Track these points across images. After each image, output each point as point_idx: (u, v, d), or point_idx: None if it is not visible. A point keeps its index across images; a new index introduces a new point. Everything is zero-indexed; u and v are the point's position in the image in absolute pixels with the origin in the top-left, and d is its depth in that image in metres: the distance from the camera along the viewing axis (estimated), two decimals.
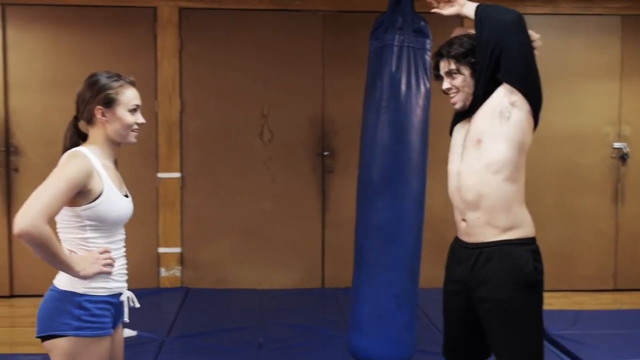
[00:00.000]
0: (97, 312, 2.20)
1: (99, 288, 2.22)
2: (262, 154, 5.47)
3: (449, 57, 2.50)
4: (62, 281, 2.21)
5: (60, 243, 2.18)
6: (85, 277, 2.17)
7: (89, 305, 2.18)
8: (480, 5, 2.47)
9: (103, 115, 2.27)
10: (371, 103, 3.37)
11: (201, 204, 5.47)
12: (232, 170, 5.46)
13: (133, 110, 2.33)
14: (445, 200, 5.70)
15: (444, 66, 2.53)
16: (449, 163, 2.56)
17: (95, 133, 2.29)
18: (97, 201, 2.20)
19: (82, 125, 2.33)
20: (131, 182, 5.28)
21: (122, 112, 2.29)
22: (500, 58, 2.37)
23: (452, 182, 2.55)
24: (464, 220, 2.52)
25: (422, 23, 3.34)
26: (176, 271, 5.47)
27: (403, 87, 3.27)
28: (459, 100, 2.49)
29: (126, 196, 2.41)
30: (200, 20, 5.38)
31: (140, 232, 5.41)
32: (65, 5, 5.24)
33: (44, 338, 2.20)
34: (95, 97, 2.26)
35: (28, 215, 2.03)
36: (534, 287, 2.43)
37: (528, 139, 2.45)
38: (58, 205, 2.11)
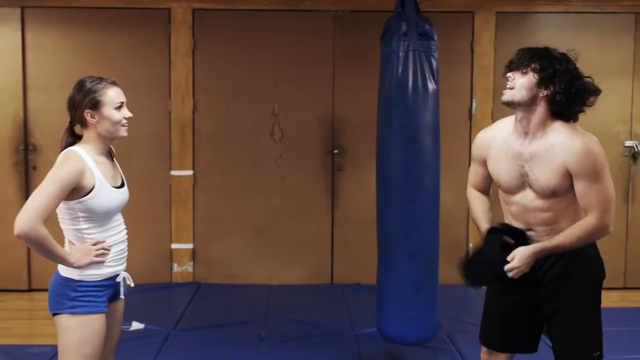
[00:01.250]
0: (90, 294, 2.49)
1: (92, 275, 2.50)
2: (272, 152, 5.56)
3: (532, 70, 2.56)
4: (63, 268, 2.52)
5: (54, 240, 2.42)
6: (79, 267, 2.45)
7: (82, 289, 2.48)
8: None
9: (92, 117, 2.49)
10: (382, 107, 3.60)
11: (213, 201, 5.59)
12: (243, 168, 5.57)
13: (119, 107, 2.53)
14: (455, 198, 5.74)
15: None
16: None
17: (88, 133, 2.53)
18: (88, 195, 2.43)
19: (77, 128, 2.55)
20: (145, 180, 5.53)
21: (109, 111, 2.51)
22: None
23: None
24: (530, 230, 2.62)
25: (427, 26, 3.51)
26: (188, 267, 5.60)
27: (410, 91, 3.45)
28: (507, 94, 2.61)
29: (122, 185, 2.61)
30: (213, 20, 5.49)
31: (153, 228, 5.56)
32: (82, 7, 5.39)
33: (54, 314, 2.53)
34: (82, 102, 2.48)
35: (25, 218, 2.33)
36: (601, 286, 2.61)
37: None
38: (52, 206, 2.38)
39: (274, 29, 5.50)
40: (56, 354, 2.55)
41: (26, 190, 5.41)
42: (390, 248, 3.62)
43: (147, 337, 4.11)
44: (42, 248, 2.39)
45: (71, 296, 2.47)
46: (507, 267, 2.52)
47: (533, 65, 2.55)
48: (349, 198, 5.57)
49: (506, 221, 2.71)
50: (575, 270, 2.58)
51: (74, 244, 2.51)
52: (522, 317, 2.71)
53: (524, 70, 2.55)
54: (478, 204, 2.86)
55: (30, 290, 5.45)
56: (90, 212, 2.46)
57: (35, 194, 2.37)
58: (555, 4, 5.55)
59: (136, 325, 4.26)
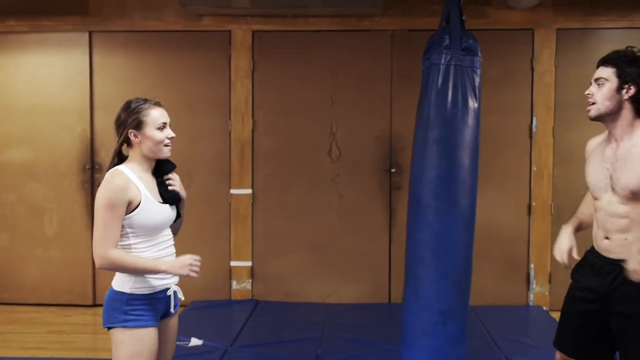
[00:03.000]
0: (141, 307, 2.55)
1: (142, 288, 2.56)
2: (330, 170, 5.60)
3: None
4: (116, 283, 2.59)
5: (132, 257, 2.54)
6: (171, 274, 2.56)
7: (134, 302, 2.55)
8: None
9: (135, 136, 2.57)
10: (420, 121, 3.45)
11: (271, 219, 5.65)
12: (301, 186, 5.62)
13: (161, 128, 2.60)
14: (515, 217, 5.62)
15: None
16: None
17: (133, 153, 2.62)
18: (135, 211, 2.51)
19: (124, 148, 2.65)
20: (205, 198, 5.64)
21: (151, 131, 2.58)
22: None
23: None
24: (607, 238, 2.68)
25: (471, 41, 3.37)
26: (247, 284, 5.66)
27: (449, 105, 3.31)
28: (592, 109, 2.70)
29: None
30: (272, 41, 5.59)
31: (214, 245, 5.65)
32: (146, 31, 5.57)
33: (108, 328, 2.60)
34: (126, 122, 2.58)
35: (96, 253, 2.49)
36: None
37: None
38: (114, 230, 2.48)
39: (331, 49, 5.56)
40: None
41: (92, 208, 5.57)
42: (416, 271, 3.38)
43: (205, 354, 4.16)
44: (125, 269, 2.52)
45: (123, 310, 2.53)
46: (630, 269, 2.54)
47: (607, 73, 2.63)
48: (403, 214, 5.54)
49: (593, 230, 2.79)
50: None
51: None
52: (594, 328, 2.76)
53: (600, 82, 2.64)
54: (582, 204, 2.98)
55: (95, 305, 5.61)
56: (138, 228, 2.53)
57: (95, 227, 2.50)
58: (618, 20, 5.44)
59: (195, 342, 4.32)
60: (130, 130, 2.57)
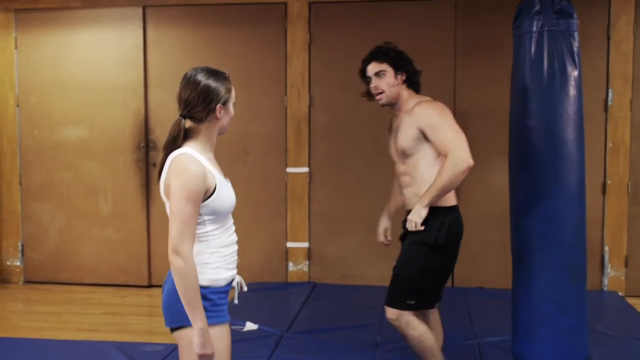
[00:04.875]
0: (219, 301, 2.28)
1: (221, 279, 2.29)
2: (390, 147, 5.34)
3: None
4: None
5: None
6: (200, 335, 2.17)
7: (212, 296, 2.26)
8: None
9: (220, 112, 2.30)
10: (515, 96, 3.17)
11: (328, 199, 5.45)
12: (360, 164, 5.39)
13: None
14: (589, 197, 5.30)
15: None
16: None
17: (202, 130, 2.30)
18: (212, 197, 2.26)
19: (187, 124, 2.32)
20: (261, 177, 5.47)
21: (231, 106, 2.36)
22: None
23: None
24: (402, 194, 3.36)
25: (565, 2, 3.03)
26: (304, 266, 5.49)
27: (545, 75, 3.00)
28: None
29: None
30: (330, 13, 5.35)
31: (270, 226, 5.50)
32: (200, 5, 5.41)
33: (173, 329, 2.29)
34: (219, 94, 2.27)
35: (173, 248, 2.16)
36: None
37: None
38: (194, 224, 2.21)
39: (391, 20, 5.29)
40: (170, 352, 2.39)
41: (147, 187, 5.49)
42: (525, 258, 3.10)
43: (261, 339, 4.00)
44: (187, 282, 2.15)
45: (203, 307, 2.21)
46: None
47: (384, 67, 3.20)
48: (470, 196, 5.26)
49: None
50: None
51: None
52: None
53: (381, 74, 3.21)
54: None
55: (151, 286, 5.54)
56: (216, 214, 2.27)
57: (173, 219, 2.18)
58: None
59: (250, 326, 4.17)
60: (219, 106, 2.27)
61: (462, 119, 5.22)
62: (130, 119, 5.50)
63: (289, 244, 5.50)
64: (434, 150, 3.09)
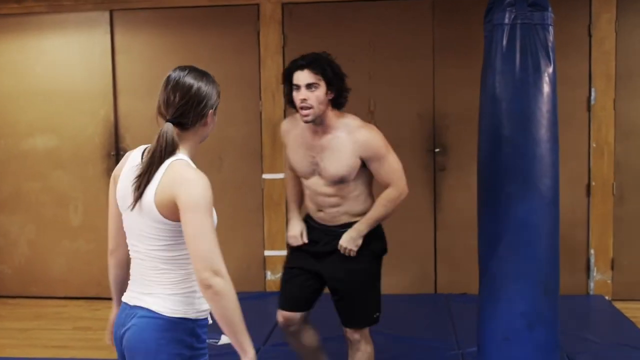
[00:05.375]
0: (204, 336, 2.04)
1: (206, 309, 2.02)
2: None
3: None
4: (169, 306, 1.97)
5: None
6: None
7: (199, 330, 2.01)
8: None
9: (210, 118, 2.08)
10: (485, 93, 2.98)
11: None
12: None
13: None
14: (572, 198, 5.13)
15: None
16: None
17: (189, 137, 2.05)
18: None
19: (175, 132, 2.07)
20: (237, 183, 5.29)
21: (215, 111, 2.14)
22: None
23: None
24: (320, 211, 3.07)
25: None
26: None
27: (517, 70, 2.83)
28: None
29: None
30: (304, 15, 5.20)
31: (246, 234, 5.33)
32: (169, 8, 5.23)
33: None
34: (210, 102, 2.05)
35: (213, 268, 1.87)
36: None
37: None
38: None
39: (368, 20, 5.14)
40: None
41: None
42: (493, 268, 2.91)
43: (236, 353, 3.83)
44: (233, 305, 1.89)
45: (188, 342, 1.96)
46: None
47: (316, 78, 2.88)
48: (452, 200, 5.13)
49: (306, 202, 3.10)
50: None
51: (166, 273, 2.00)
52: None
53: (315, 87, 2.89)
54: (288, 185, 3.31)
55: None
56: None
57: (202, 235, 1.88)
58: None
59: (225, 340, 3.97)
60: (211, 111, 2.06)
61: (443, 121, 5.12)
62: (100, 127, 5.31)
63: (267, 252, 5.33)
64: (368, 175, 3.02)
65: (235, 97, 5.20)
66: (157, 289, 2.00)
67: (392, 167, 2.99)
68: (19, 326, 4.79)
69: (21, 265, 5.52)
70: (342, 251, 2.97)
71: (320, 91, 2.87)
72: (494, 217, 2.93)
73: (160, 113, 2.05)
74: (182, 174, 1.94)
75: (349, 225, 2.99)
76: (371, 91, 5.15)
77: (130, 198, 1.99)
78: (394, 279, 5.20)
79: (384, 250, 3.12)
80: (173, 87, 2.03)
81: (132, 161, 2.08)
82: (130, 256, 2.09)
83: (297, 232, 3.12)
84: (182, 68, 2.08)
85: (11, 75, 5.39)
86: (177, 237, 1.97)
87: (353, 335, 3.08)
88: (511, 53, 2.84)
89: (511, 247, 2.87)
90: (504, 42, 2.86)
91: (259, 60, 5.20)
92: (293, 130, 3.06)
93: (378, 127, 5.16)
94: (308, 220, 3.14)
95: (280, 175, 5.24)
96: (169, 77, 2.06)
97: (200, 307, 2.00)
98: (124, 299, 2.09)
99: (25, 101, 5.38)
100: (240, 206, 5.31)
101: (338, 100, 2.97)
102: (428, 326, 4.38)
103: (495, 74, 2.89)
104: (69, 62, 5.32)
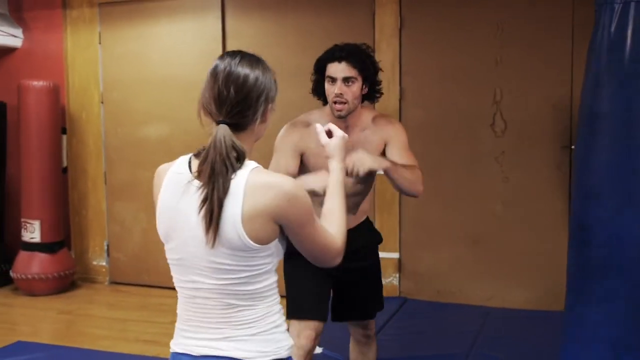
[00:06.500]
0: None
1: (290, 344, 1.75)
2: (493, 147, 4.62)
3: None
4: (256, 349, 1.67)
5: None
6: None
7: None
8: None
9: (269, 113, 1.73)
10: (586, 86, 2.48)
11: (422, 205, 4.79)
12: (458, 166, 4.70)
13: None
14: None
15: None
16: None
17: (245, 139, 1.68)
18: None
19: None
20: None
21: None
22: None
23: None
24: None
25: None
26: (394, 279, 4.89)
27: (626, 59, 2.30)
28: None
29: None
30: None
31: None
32: None
33: None
34: (269, 93, 1.70)
35: (337, 250, 1.75)
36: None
37: None
38: None
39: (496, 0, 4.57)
40: None
41: None
42: (580, 285, 2.51)
43: None
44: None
45: None
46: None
47: (354, 72, 2.65)
48: (570, 212, 4.42)
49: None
50: None
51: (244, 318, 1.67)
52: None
53: (352, 81, 2.65)
54: None
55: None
56: (279, 255, 1.72)
57: (317, 235, 1.69)
58: None
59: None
60: (270, 106, 1.71)
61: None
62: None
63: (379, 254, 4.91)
64: None
65: None
66: (235, 331, 1.66)
67: (412, 157, 2.80)
68: (121, 316, 4.78)
69: (134, 253, 5.53)
70: (347, 168, 2.46)
71: (357, 86, 2.66)
72: (587, 225, 2.47)
73: (208, 113, 1.68)
74: (276, 185, 1.61)
75: (362, 223, 2.95)
76: (498, 79, 4.57)
77: (196, 228, 1.63)
78: (519, 292, 4.62)
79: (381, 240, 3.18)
80: (225, 80, 1.65)
81: (174, 179, 1.72)
82: (182, 295, 1.74)
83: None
84: (231, 54, 1.70)
85: (128, 64, 5.40)
86: (260, 266, 1.65)
87: (371, 328, 3.04)
88: (620, 39, 2.31)
89: (605, 262, 2.41)
90: (613, 26, 2.33)
91: (373, 44, 4.78)
92: (306, 137, 2.69)
93: (505, 119, 4.66)
94: None
95: None
96: (216, 67, 1.68)
97: (288, 343, 1.72)
98: (178, 348, 1.75)
99: (141, 89, 5.37)
100: None
101: (370, 95, 2.77)
102: (556, 348, 3.76)
103: (600, 65, 2.38)
104: (182, 49, 5.22)
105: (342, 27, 4.86)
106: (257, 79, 1.66)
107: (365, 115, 2.77)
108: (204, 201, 1.60)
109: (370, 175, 2.67)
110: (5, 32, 5.56)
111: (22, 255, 5.29)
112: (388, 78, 4.77)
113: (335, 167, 1.87)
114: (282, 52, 4.85)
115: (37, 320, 4.76)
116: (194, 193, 1.63)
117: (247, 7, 5.08)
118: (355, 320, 3.00)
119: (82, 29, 5.49)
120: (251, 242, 1.60)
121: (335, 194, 1.82)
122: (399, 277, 4.89)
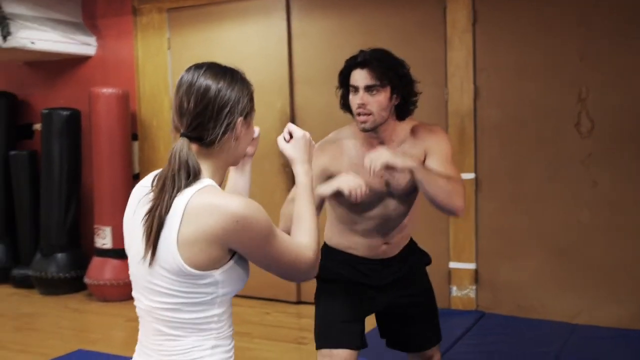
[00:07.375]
0: None
1: None
2: (578, 149, 4.23)
3: None
4: None
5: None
6: None
7: None
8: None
9: (240, 129, 1.58)
10: None
11: (500, 212, 4.47)
12: (540, 170, 4.35)
13: None
14: None
15: None
16: None
17: (214, 157, 1.57)
18: (234, 258, 1.52)
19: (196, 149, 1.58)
20: None
21: (252, 122, 1.65)
22: None
23: None
24: (386, 243, 2.60)
25: None
26: (470, 291, 4.58)
27: None
28: None
29: None
30: None
31: (429, 242, 4.57)
32: None
33: None
34: (241, 106, 1.56)
35: (309, 260, 1.61)
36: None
37: None
38: None
39: None
40: None
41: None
42: None
43: None
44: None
45: None
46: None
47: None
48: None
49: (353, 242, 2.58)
50: None
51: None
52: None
53: (376, 90, 2.36)
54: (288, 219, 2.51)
55: (299, 302, 5.04)
56: (234, 286, 1.54)
57: (281, 254, 1.54)
58: None
59: None
60: (240, 119, 1.56)
61: None
62: (277, 121, 4.99)
63: (452, 264, 4.62)
64: None
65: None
66: None
67: (455, 170, 2.45)
68: None
69: None
70: (366, 163, 2.26)
71: (383, 96, 2.35)
72: None
73: (174, 126, 1.58)
74: (221, 206, 1.45)
75: (406, 248, 2.68)
76: (583, 75, 4.18)
77: (140, 244, 1.50)
78: (609, 309, 4.21)
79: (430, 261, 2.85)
80: (186, 91, 1.54)
81: (139, 193, 1.59)
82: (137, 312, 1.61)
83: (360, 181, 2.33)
84: (198, 66, 1.58)
85: None
86: (197, 295, 1.49)
87: (437, 354, 2.73)
88: None
89: None
90: None
91: (445, 41, 4.50)
92: (338, 155, 2.47)
93: (592, 119, 4.26)
94: (348, 264, 2.57)
95: (470, 175, 4.50)
96: (181, 78, 1.57)
97: None
98: None
99: None
100: (422, 211, 4.65)
101: (404, 108, 2.43)
102: None
103: None
104: (248, 51, 5.10)
105: (410, 24, 4.61)
106: (219, 90, 1.54)
107: (402, 127, 2.47)
108: (145, 217, 1.49)
109: (413, 190, 2.47)
110: (80, 41, 5.63)
111: (95, 261, 5.35)
112: (461, 76, 4.48)
113: (299, 170, 1.72)
114: (349, 52, 4.61)
115: (105, 327, 4.77)
116: (146, 207, 1.51)
117: (313, 7, 4.90)
118: (409, 352, 2.74)
119: (152, 35, 5.48)
120: (187, 268, 1.46)
121: (303, 197, 1.67)
122: (476, 289, 4.57)
